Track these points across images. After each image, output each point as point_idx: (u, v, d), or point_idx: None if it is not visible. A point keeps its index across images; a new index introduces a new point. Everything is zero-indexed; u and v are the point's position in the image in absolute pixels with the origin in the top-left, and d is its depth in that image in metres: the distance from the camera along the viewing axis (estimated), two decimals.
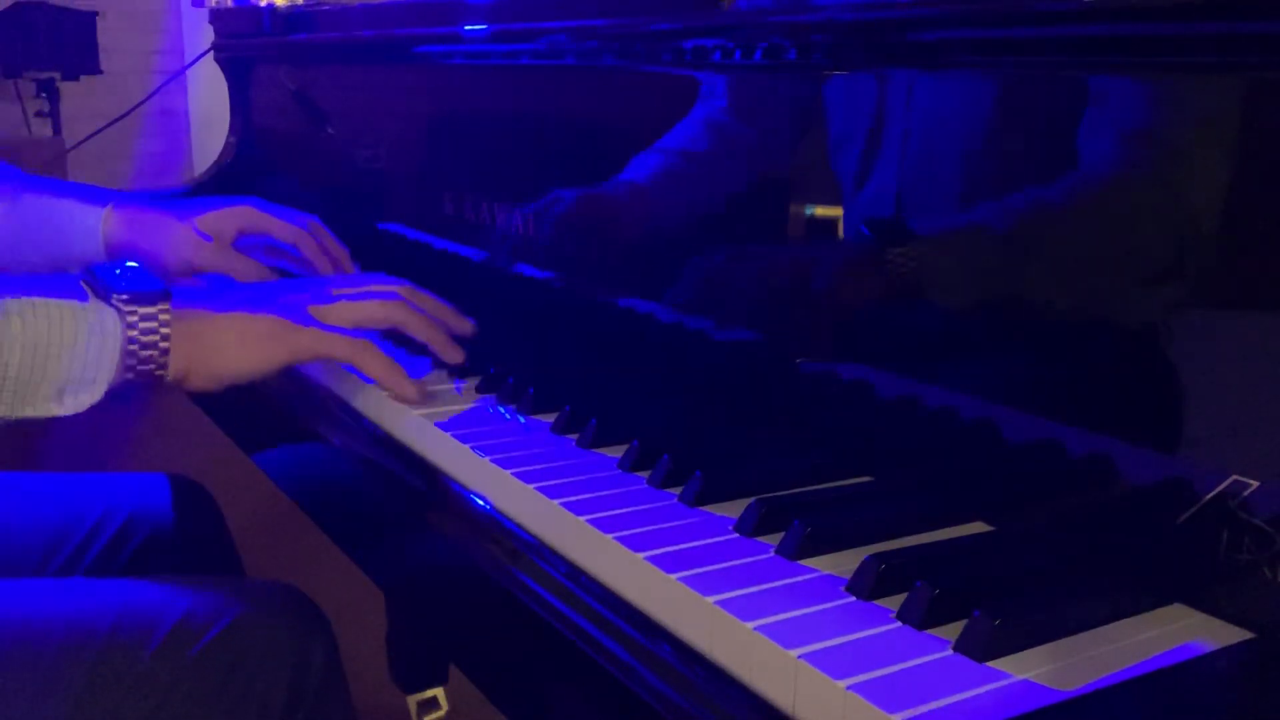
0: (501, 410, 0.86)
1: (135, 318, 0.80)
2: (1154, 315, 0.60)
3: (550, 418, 0.83)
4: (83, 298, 0.79)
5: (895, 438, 0.73)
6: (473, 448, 0.78)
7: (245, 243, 1.14)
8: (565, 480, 0.72)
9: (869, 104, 0.74)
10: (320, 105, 1.52)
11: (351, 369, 0.90)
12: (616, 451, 0.76)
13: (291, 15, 1.55)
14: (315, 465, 1.10)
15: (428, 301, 0.94)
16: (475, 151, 1.18)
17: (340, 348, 0.87)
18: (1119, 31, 0.60)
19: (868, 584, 0.58)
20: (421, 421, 0.84)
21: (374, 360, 0.87)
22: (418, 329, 0.91)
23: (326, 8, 1.47)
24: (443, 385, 0.92)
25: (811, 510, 0.65)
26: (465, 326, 0.95)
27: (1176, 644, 0.54)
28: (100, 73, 3.91)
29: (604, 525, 0.65)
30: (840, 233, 0.78)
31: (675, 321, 0.91)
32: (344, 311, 0.89)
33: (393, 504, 0.94)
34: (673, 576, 0.59)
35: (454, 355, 0.92)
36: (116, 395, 0.80)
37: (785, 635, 0.53)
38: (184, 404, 1.16)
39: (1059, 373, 0.65)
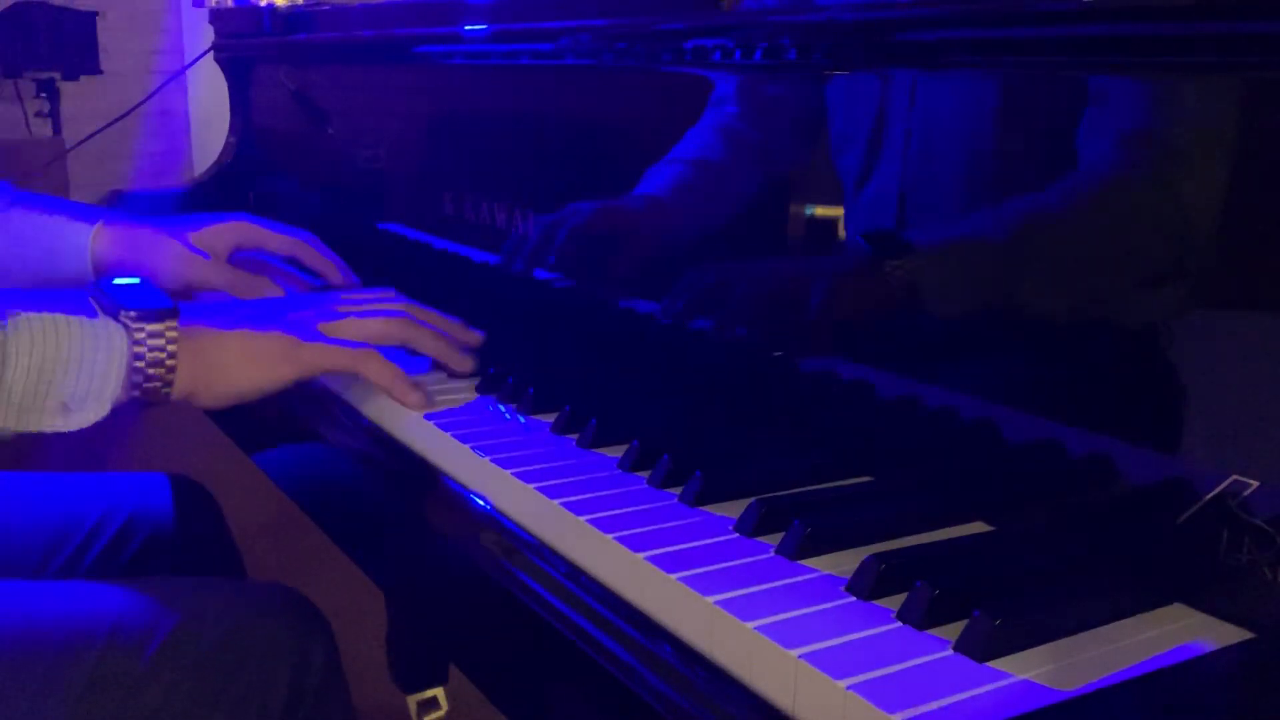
0: (502, 410, 0.86)
1: (143, 334, 0.80)
2: (1154, 315, 0.60)
3: (550, 418, 0.83)
4: (90, 313, 0.79)
5: (895, 438, 0.73)
6: (473, 448, 0.78)
7: (237, 258, 1.13)
8: (565, 480, 0.72)
9: (885, 106, 0.74)
10: (320, 105, 1.52)
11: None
12: (616, 451, 0.76)
13: (291, 15, 1.55)
14: (315, 465, 1.10)
15: (431, 317, 0.94)
16: (475, 151, 1.18)
17: (345, 360, 0.87)
18: (1120, 31, 0.60)
19: (868, 584, 0.58)
20: (421, 421, 0.84)
21: (379, 368, 0.87)
22: (425, 345, 0.92)
23: (326, 8, 1.47)
24: (443, 385, 0.92)
25: (811, 510, 0.65)
26: (473, 338, 0.96)
27: (1176, 644, 0.54)
28: (100, 73, 3.91)
29: (604, 525, 0.65)
30: (844, 235, 0.78)
31: (675, 321, 0.91)
32: (351, 328, 0.90)
33: (393, 504, 0.94)
34: (673, 576, 0.59)
35: (464, 366, 0.93)
36: (121, 412, 0.80)
37: (785, 635, 0.53)
38: (184, 404, 1.16)
39: (1059, 373, 0.65)
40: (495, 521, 0.73)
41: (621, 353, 0.98)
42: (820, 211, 0.79)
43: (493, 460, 0.75)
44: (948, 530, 0.66)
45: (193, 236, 1.09)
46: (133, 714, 0.80)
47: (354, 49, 1.41)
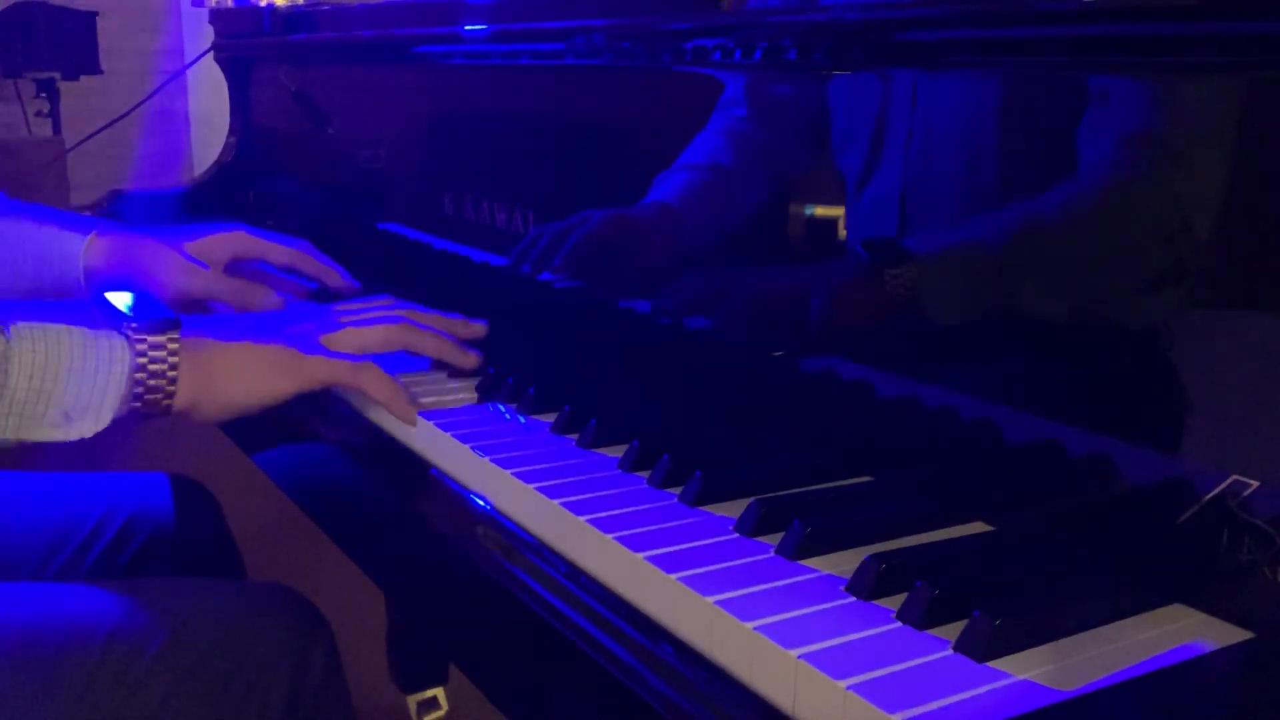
0: (502, 410, 0.86)
1: (144, 346, 0.79)
2: (1155, 315, 0.60)
3: (550, 418, 0.83)
4: (92, 324, 0.79)
5: (895, 438, 0.73)
6: (473, 448, 0.78)
7: (233, 267, 1.13)
8: (565, 480, 0.72)
9: (888, 106, 0.74)
10: (320, 105, 1.52)
11: None
12: (616, 451, 0.76)
13: (291, 15, 1.55)
14: (315, 465, 1.10)
15: (431, 318, 0.94)
16: (475, 152, 1.18)
17: (345, 374, 0.87)
18: (1121, 32, 0.60)
19: (868, 584, 0.58)
20: (422, 421, 0.84)
21: (377, 383, 0.87)
22: (427, 347, 0.92)
23: (326, 8, 1.47)
24: (443, 385, 0.92)
25: (811, 510, 0.65)
26: (476, 330, 0.96)
27: (1176, 644, 0.54)
28: (100, 73, 3.91)
29: (604, 525, 0.65)
30: (840, 236, 0.78)
31: (675, 322, 0.91)
32: (352, 338, 0.90)
33: (393, 504, 0.94)
34: (673, 576, 0.59)
35: (468, 361, 0.93)
36: (121, 423, 0.80)
37: (785, 635, 0.53)
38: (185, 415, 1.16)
39: (1059, 373, 0.65)
40: (495, 521, 0.73)
41: (622, 353, 0.98)
42: (831, 213, 0.79)
43: (493, 460, 0.75)
44: (948, 530, 0.66)
45: (189, 246, 1.09)
46: (133, 715, 0.80)
47: (354, 49, 1.41)
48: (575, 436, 0.79)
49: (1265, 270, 0.55)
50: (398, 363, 0.95)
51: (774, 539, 0.63)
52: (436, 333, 0.93)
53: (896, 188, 0.73)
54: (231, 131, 1.75)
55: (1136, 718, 0.50)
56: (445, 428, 0.82)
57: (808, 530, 0.62)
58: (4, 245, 1.07)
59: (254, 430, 1.22)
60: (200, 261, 1.08)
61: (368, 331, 0.90)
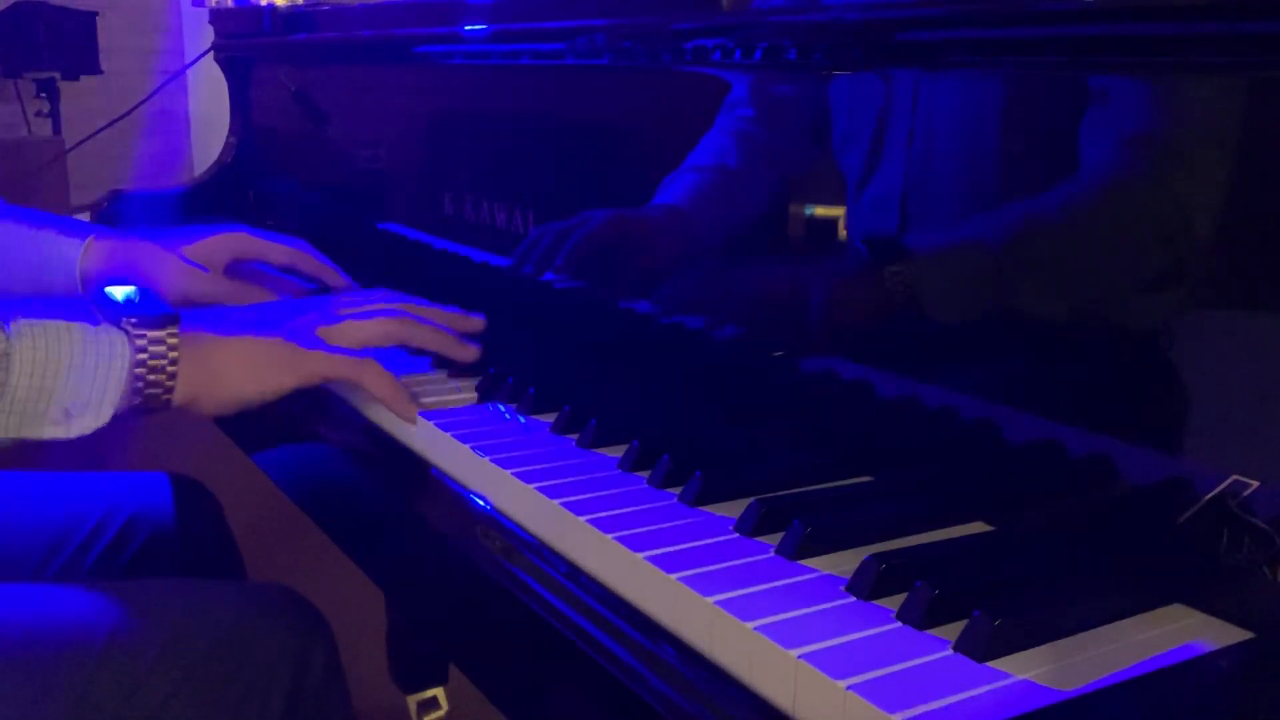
0: (502, 410, 0.86)
1: (144, 341, 0.79)
2: (1155, 315, 0.60)
3: (550, 418, 0.83)
4: (91, 320, 0.79)
5: (895, 438, 0.73)
6: (473, 448, 0.78)
7: (233, 269, 1.13)
8: (565, 480, 0.72)
9: (889, 106, 0.74)
10: (320, 105, 1.52)
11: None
12: (616, 451, 0.76)
13: (291, 15, 1.55)
14: (315, 465, 1.10)
15: (430, 312, 0.94)
16: (475, 152, 1.18)
17: (345, 369, 0.87)
18: (1123, 31, 0.60)
19: (868, 584, 0.58)
20: (422, 421, 0.84)
21: (378, 379, 0.87)
22: (426, 341, 0.92)
23: (326, 8, 1.47)
24: (443, 385, 0.92)
25: (811, 510, 0.65)
26: (474, 324, 0.95)
27: (1176, 644, 0.54)
28: (100, 73, 3.91)
29: (604, 525, 0.65)
30: (844, 237, 0.78)
31: (675, 322, 0.91)
32: (351, 331, 0.89)
33: (393, 504, 0.94)
34: (673, 576, 0.59)
35: (467, 355, 0.93)
36: (121, 419, 0.80)
37: (785, 635, 0.53)
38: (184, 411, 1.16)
39: (1060, 373, 0.65)
40: (495, 521, 0.73)
41: (622, 353, 0.98)
42: (841, 213, 0.79)
43: (493, 460, 0.75)
44: (948, 530, 0.66)
45: (187, 250, 1.08)
46: (133, 716, 0.80)
47: (354, 49, 1.41)
48: (575, 436, 0.79)
49: (1265, 270, 0.55)
50: (398, 362, 0.95)
51: (774, 539, 0.63)
52: (435, 326, 0.93)
53: (898, 188, 0.73)
54: (231, 131, 1.75)
55: (1136, 718, 0.50)
56: (445, 428, 0.82)
57: (808, 530, 0.62)
58: (1, 250, 1.07)
59: (254, 430, 1.22)
60: (200, 264, 1.08)
61: (367, 325, 0.90)
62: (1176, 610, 0.57)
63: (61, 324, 0.77)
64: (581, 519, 0.66)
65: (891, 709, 0.48)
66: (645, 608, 0.61)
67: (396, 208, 1.36)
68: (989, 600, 0.54)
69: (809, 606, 0.56)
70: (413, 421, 0.85)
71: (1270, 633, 0.54)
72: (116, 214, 1.60)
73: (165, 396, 0.81)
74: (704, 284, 0.89)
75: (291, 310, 0.92)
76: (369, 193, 1.42)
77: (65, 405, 0.76)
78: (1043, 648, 0.53)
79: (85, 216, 1.47)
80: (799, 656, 0.52)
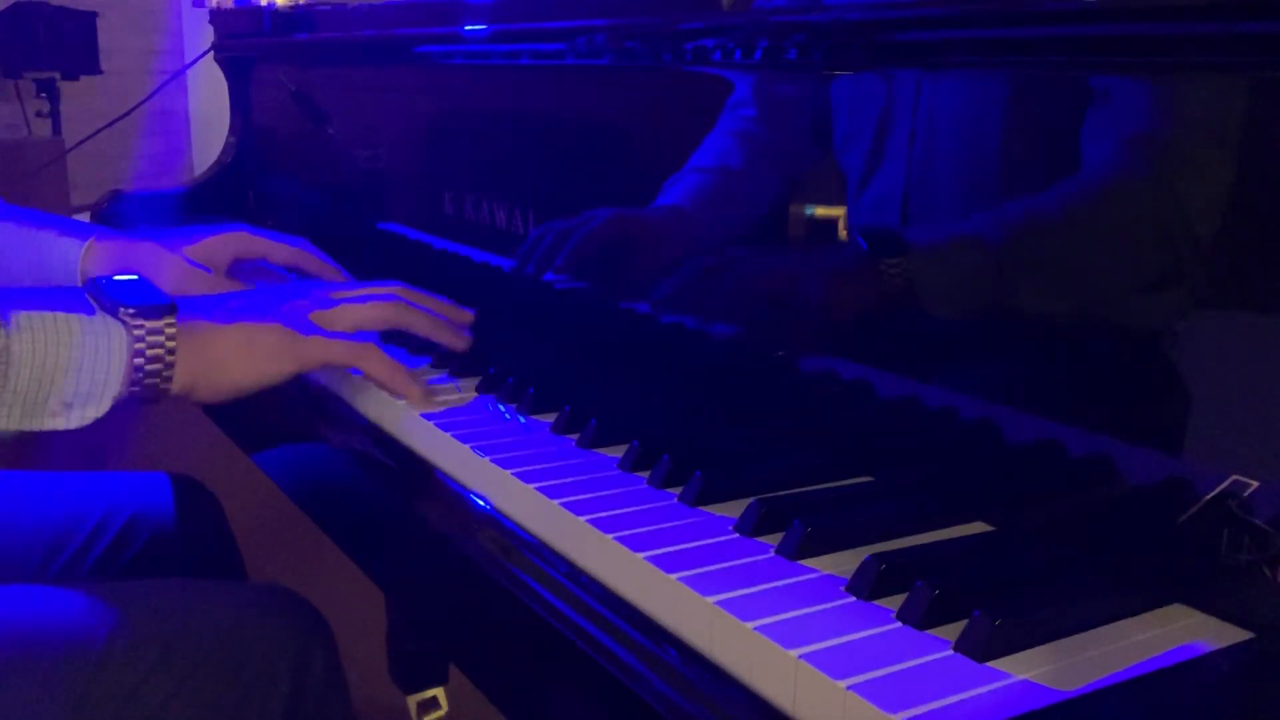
0: (501, 410, 0.86)
1: (142, 331, 0.79)
2: (1155, 315, 0.60)
3: (550, 418, 0.83)
4: (89, 311, 0.79)
5: (895, 438, 0.73)
6: (473, 448, 0.78)
7: (233, 268, 1.13)
8: (565, 480, 0.72)
9: (890, 106, 0.74)
10: (320, 105, 1.52)
11: (355, 372, 0.91)
12: (616, 451, 0.76)
13: (292, 15, 1.55)
14: (315, 465, 1.10)
15: (424, 299, 0.94)
16: (475, 152, 1.18)
17: (344, 353, 0.87)
18: (1124, 32, 0.60)
19: (868, 584, 0.58)
20: (421, 421, 0.84)
21: (378, 363, 0.87)
22: (420, 326, 0.92)
23: (326, 8, 1.47)
24: (443, 385, 0.92)
25: (811, 510, 0.65)
26: (465, 316, 0.96)
27: (1176, 644, 0.54)
28: (100, 73, 3.91)
29: (604, 525, 0.65)
30: (845, 237, 0.78)
31: (676, 322, 0.91)
32: (346, 315, 0.89)
33: (393, 504, 0.94)
34: (673, 576, 0.59)
35: (459, 343, 0.93)
36: (120, 408, 0.80)
37: (785, 635, 0.53)
38: (184, 404, 1.16)
39: (1060, 373, 0.65)
40: (495, 521, 0.73)
41: (622, 353, 0.98)
42: (838, 213, 0.79)
43: (493, 460, 0.75)
44: (948, 530, 0.66)
45: (189, 250, 1.09)
46: (133, 716, 0.80)
47: (354, 49, 1.41)
48: (575, 436, 0.79)
49: (1265, 270, 0.55)
50: (399, 360, 0.95)
51: (774, 539, 0.63)
52: (430, 313, 0.93)
53: (899, 187, 0.73)
54: (231, 131, 1.75)
55: (1136, 718, 0.50)
56: (445, 427, 0.82)
57: (808, 530, 0.62)
58: (2, 251, 1.07)
59: (254, 430, 1.22)
60: (202, 264, 1.08)
61: (361, 308, 0.90)
62: (1176, 610, 0.57)
63: (60, 315, 0.77)
64: (582, 519, 0.66)
65: (891, 709, 0.48)
66: (645, 608, 0.61)
67: (396, 207, 1.36)
68: (989, 600, 0.54)
69: (809, 606, 0.56)
70: (415, 400, 0.86)
71: (1270, 633, 0.54)
72: (116, 214, 1.60)
73: (164, 385, 0.81)
74: (705, 284, 0.89)
75: (286, 295, 0.92)
76: (369, 193, 1.42)
77: (66, 397, 0.77)
78: (1043, 648, 0.53)
79: (85, 217, 1.47)
80: (799, 656, 0.52)
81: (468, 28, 1.13)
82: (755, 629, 0.54)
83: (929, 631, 0.54)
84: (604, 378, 0.96)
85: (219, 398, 0.84)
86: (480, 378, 0.92)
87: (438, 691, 1.63)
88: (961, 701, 0.49)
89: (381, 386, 0.88)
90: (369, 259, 1.30)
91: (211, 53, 1.77)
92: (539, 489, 0.70)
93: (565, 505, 0.68)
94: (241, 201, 1.72)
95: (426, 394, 0.88)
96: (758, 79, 0.84)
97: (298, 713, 0.87)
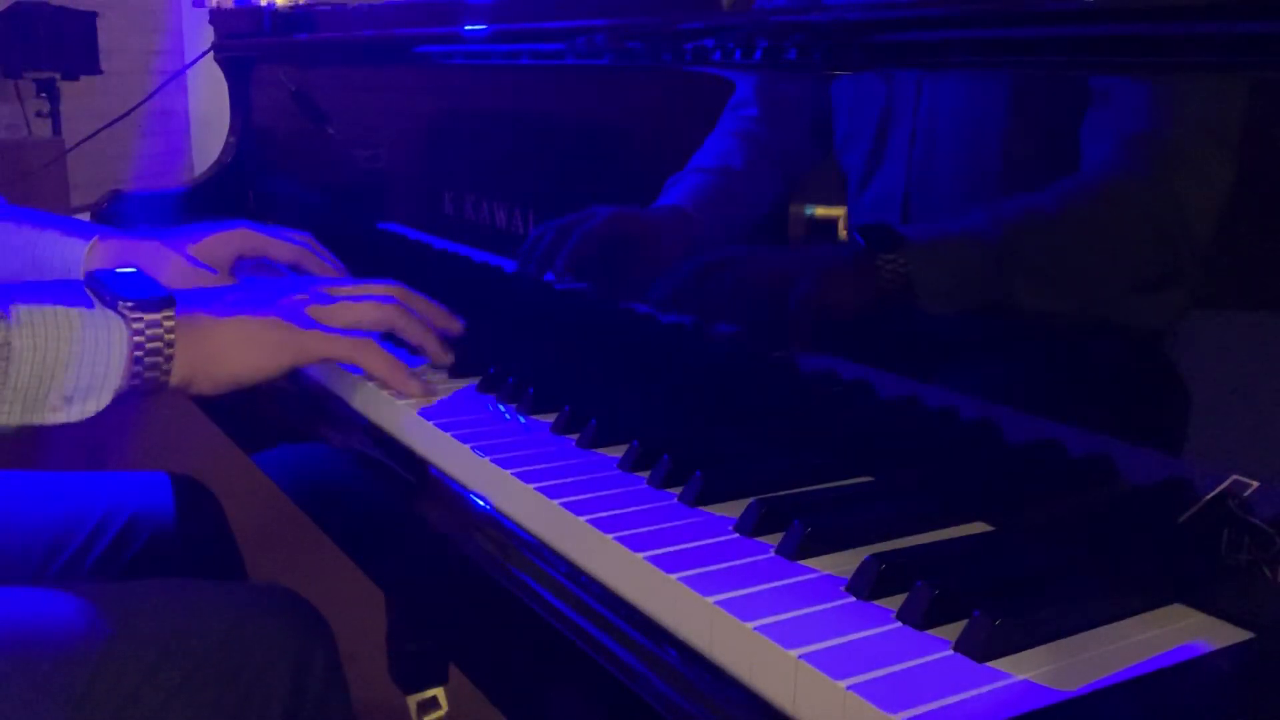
0: (501, 410, 0.86)
1: (141, 324, 0.80)
2: (1155, 315, 0.60)
3: (550, 418, 0.83)
4: (88, 304, 0.79)
5: (895, 438, 0.73)
6: (473, 448, 0.78)
7: (236, 266, 1.13)
8: (565, 480, 0.72)
9: (896, 107, 0.74)
10: (320, 105, 1.52)
11: (353, 368, 0.91)
12: (616, 451, 0.76)
13: (292, 15, 1.55)
14: (315, 465, 1.10)
15: (420, 303, 0.95)
16: (475, 152, 1.18)
17: (344, 349, 0.87)
18: (1124, 32, 0.60)
19: (868, 584, 0.58)
20: (421, 421, 0.84)
21: (377, 359, 0.87)
22: (412, 333, 0.92)
23: (326, 8, 1.47)
24: (442, 385, 0.92)
25: (811, 510, 0.65)
26: (455, 326, 0.96)
27: (1176, 644, 0.54)
28: (100, 73, 3.91)
29: (604, 525, 0.65)
30: (846, 237, 0.78)
31: (676, 322, 0.91)
32: (343, 313, 0.90)
33: (393, 504, 0.94)
34: (673, 576, 0.59)
35: (444, 359, 0.93)
36: (119, 401, 0.80)
37: (785, 635, 0.53)
38: (184, 404, 1.16)
39: (1060, 373, 0.65)
40: (495, 522, 0.73)
41: (622, 353, 0.97)
42: (840, 213, 0.79)
43: (493, 460, 0.75)
44: (948, 530, 0.66)
45: (192, 249, 1.09)
46: (133, 717, 0.80)
47: (354, 49, 1.41)
48: (575, 436, 0.79)
49: (1265, 270, 0.55)
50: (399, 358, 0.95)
51: (774, 539, 0.63)
52: (424, 322, 0.93)
53: (900, 187, 0.73)
54: (231, 131, 1.75)
55: (1136, 718, 0.50)
56: (445, 427, 0.82)
57: (808, 530, 0.62)
58: (3, 251, 1.07)
59: (254, 430, 1.22)
60: (204, 263, 1.08)
61: (358, 307, 0.91)
62: (1176, 610, 0.57)
63: (60, 309, 0.77)
64: (581, 519, 0.66)
65: (891, 709, 0.48)
66: (645, 608, 0.61)
67: (396, 207, 1.36)
68: (989, 600, 0.54)
69: (809, 606, 0.56)
70: (414, 395, 0.86)
71: (1270, 633, 0.54)
72: (116, 214, 1.60)
73: (163, 378, 0.81)
74: (705, 282, 0.89)
75: (284, 289, 0.92)
76: (369, 192, 1.42)
77: (67, 391, 0.77)
78: (1043, 648, 0.53)
79: (85, 216, 1.47)
80: (799, 656, 0.52)
81: (468, 28, 1.13)
82: (755, 629, 0.54)
83: (929, 631, 0.54)
84: (604, 378, 0.96)
85: (217, 390, 0.85)
86: (480, 377, 0.92)
87: (438, 691, 1.63)
88: (961, 701, 0.49)
89: (381, 383, 0.89)
90: (369, 259, 1.30)
91: (211, 53, 1.77)
92: (539, 489, 0.70)
93: (565, 505, 0.68)
94: (241, 201, 1.72)
95: (426, 390, 0.88)
96: (759, 79, 0.84)
97: (298, 713, 0.87)
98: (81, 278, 1.05)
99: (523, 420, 0.84)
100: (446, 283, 1.21)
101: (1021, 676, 0.51)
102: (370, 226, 1.39)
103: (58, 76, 3.86)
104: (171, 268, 1.05)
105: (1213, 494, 0.56)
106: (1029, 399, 0.65)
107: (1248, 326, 0.56)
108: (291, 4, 1.57)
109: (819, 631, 0.54)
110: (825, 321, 0.79)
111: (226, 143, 1.75)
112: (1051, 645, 0.53)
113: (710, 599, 0.57)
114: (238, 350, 0.84)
